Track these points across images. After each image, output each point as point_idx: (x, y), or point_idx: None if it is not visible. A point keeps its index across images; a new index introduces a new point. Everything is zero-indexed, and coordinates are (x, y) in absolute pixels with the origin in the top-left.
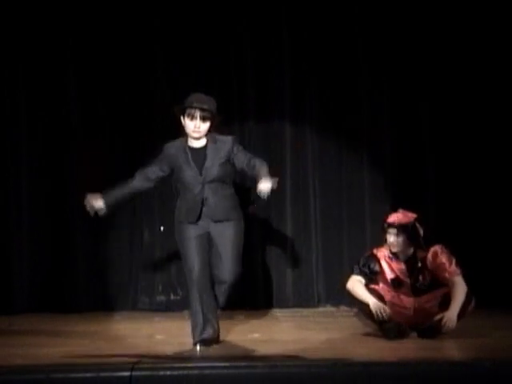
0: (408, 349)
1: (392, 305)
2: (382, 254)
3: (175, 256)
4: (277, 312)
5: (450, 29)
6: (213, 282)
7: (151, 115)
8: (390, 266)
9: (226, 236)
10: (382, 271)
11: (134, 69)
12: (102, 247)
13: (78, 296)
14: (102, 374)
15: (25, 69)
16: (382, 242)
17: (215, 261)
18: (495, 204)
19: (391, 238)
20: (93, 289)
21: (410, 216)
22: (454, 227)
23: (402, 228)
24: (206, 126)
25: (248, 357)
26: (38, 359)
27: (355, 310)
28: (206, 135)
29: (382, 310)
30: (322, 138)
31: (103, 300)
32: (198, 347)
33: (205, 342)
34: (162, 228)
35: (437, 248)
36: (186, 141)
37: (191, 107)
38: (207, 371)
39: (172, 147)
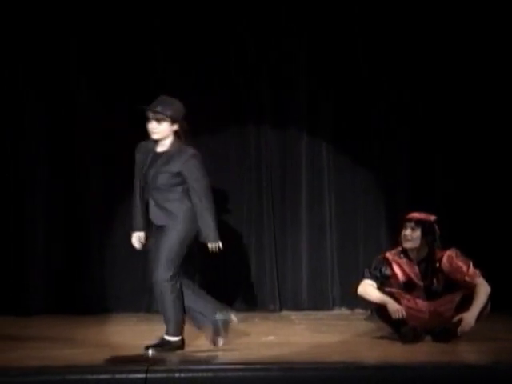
0: (423, 352)
1: (407, 308)
2: (394, 256)
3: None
4: (292, 315)
5: (452, 26)
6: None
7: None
8: (401, 268)
9: (160, 241)
10: (393, 274)
11: (134, 69)
12: (118, 249)
13: (93, 298)
14: (117, 376)
15: (26, 74)
16: (396, 246)
17: None
18: (506, 206)
19: (407, 231)
20: (108, 291)
21: (430, 216)
22: (465, 230)
23: (419, 223)
24: (163, 127)
25: (263, 360)
26: (54, 361)
27: (369, 313)
28: (174, 142)
29: (399, 311)
30: (337, 143)
31: (119, 302)
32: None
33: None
34: None
35: (451, 252)
36: (155, 144)
37: (146, 110)
38: (222, 374)
39: (140, 150)
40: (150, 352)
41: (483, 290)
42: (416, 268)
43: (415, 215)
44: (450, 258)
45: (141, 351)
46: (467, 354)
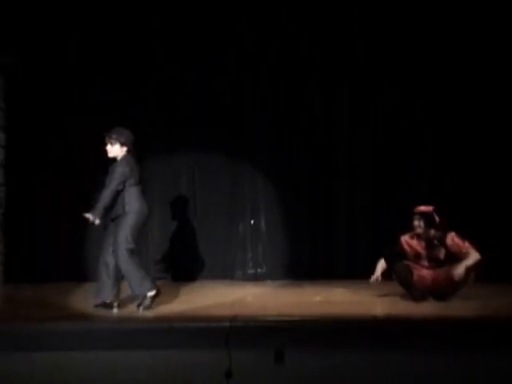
0: (427, 307)
1: (417, 276)
2: (407, 238)
3: (261, 240)
4: (332, 282)
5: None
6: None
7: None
8: (410, 246)
9: (114, 230)
10: (403, 251)
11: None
12: (211, 234)
13: (195, 267)
14: (212, 325)
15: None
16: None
17: None
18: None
19: (415, 222)
20: (204, 263)
21: (430, 207)
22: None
23: (422, 215)
24: (113, 148)
25: (312, 314)
26: (166, 312)
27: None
28: (122, 158)
29: (375, 278)
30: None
31: (213, 272)
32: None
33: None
34: (252, 221)
35: (452, 233)
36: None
37: (104, 136)
38: (283, 324)
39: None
40: (141, 308)
41: (473, 256)
42: (422, 243)
43: (419, 209)
44: (451, 236)
45: (226, 306)
46: (459, 309)
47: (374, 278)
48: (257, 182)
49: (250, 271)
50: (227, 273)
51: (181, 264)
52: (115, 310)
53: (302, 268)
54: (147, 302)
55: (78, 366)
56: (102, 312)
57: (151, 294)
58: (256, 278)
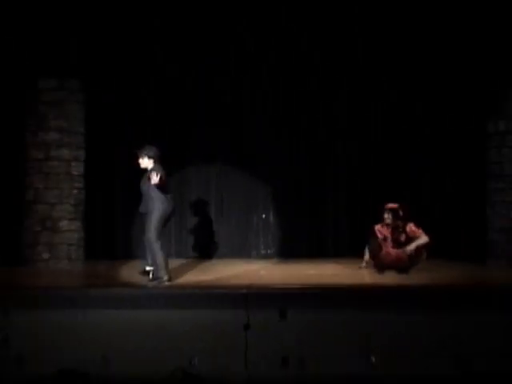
0: (391, 277)
1: (385, 253)
2: (379, 226)
3: (270, 229)
4: (323, 260)
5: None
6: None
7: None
8: (380, 232)
9: (146, 222)
10: (376, 236)
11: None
12: (233, 224)
13: (220, 249)
14: (234, 291)
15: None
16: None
17: None
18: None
19: (385, 214)
20: (227, 245)
21: (396, 205)
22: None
23: (390, 210)
24: (143, 161)
25: (305, 283)
26: (200, 282)
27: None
28: (151, 168)
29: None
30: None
31: (233, 252)
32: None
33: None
34: (263, 215)
35: (411, 223)
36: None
37: (135, 152)
38: (288, 291)
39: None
40: (150, 284)
41: (423, 238)
42: (390, 229)
43: (388, 205)
44: (410, 226)
45: (243, 277)
46: (417, 279)
47: (362, 265)
48: (266, 185)
49: (262, 251)
50: (244, 253)
51: (209, 246)
52: (166, 284)
53: (301, 249)
54: (158, 282)
55: (137, 320)
56: (156, 283)
57: (165, 278)
58: (266, 257)
